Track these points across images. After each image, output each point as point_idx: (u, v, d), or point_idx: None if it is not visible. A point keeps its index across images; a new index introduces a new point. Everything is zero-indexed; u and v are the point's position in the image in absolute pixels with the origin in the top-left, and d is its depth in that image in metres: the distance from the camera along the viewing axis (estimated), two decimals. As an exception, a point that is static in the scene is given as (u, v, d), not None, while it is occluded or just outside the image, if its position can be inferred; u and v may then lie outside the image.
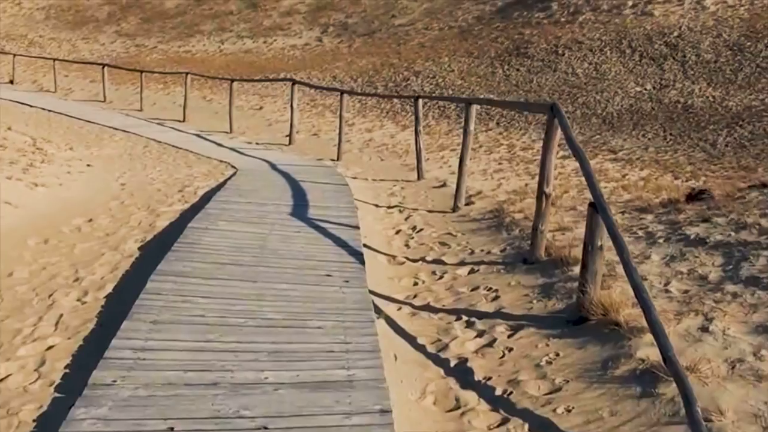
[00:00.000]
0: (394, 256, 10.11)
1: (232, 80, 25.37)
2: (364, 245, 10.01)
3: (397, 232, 11.50)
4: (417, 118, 16.23)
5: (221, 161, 18.16)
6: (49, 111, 28.91)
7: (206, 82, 32.56)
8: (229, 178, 14.93)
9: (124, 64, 38.67)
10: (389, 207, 13.29)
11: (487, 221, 11.64)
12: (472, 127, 12.71)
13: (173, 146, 21.16)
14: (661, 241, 9.15)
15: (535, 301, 7.95)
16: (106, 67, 31.98)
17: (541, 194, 9.10)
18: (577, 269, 8.31)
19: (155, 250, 9.69)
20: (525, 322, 7.47)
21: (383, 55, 35.11)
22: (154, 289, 7.43)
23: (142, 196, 13.60)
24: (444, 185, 15.08)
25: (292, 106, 22.27)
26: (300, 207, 11.59)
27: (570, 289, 7.99)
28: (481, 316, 7.77)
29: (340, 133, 19.48)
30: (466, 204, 12.88)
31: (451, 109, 26.75)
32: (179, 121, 26.82)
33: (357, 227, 10.49)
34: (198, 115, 27.85)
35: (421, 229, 11.53)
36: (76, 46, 44.86)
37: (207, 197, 12.98)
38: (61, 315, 7.67)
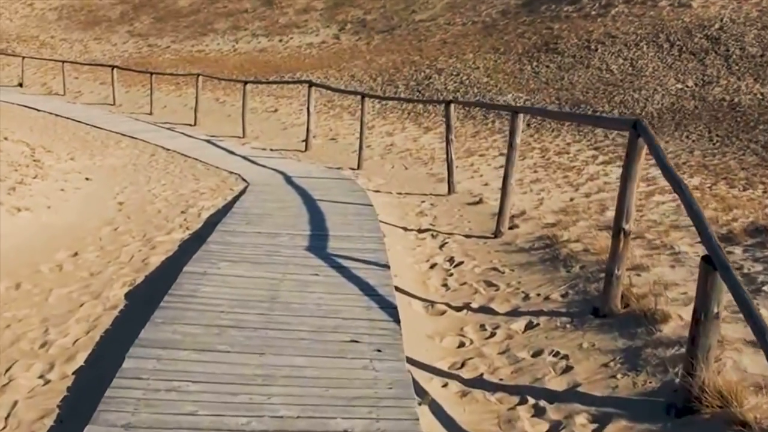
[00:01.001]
0: (432, 303, 8.29)
1: (245, 82, 23.59)
2: (396, 288, 8.19)
3: (433, 266, 9.69)
4: (448, 126, 14.40)
5: (231, 173, 16.40)
6: (56, 115, 27.33)
7: (219, 83, 30.79)
8: (239, 196, 13.17)
9: (136, 64, 37.01)
10: (420, 231, 11.49)
11: (538, 252, 9.81)
12: (518, 140, 10.92)
13: (181, 154, 19.44)
14: (767, 288, 7.31)
15: (619, 375, 6.13)
16: (115, 69, 30.21)
17: (618, 231, 7.24)
18: (667, 328, 6.54)
19: (143, 299, 7.93)
20: (611, 409, 5.65)
21: (403, 52, 33.28)
22: (132, 370, 5.66)
23: (139, 220, 11.84)
24: (480, 201, 13.26)
25: (308, 110, 20.48)
26: (318, 238, 9.77)
27: (663, 358, 6.16)
28: (552, 397, 5.96)
29: (361, 140, 17.67)
30: (510, 227, 11.04)
31: (477, 108, 24.91)
32: (190, 125, 25.11)
33: (387, 266, 8.67)
34: (210, 118, 26.13)
35: (461, 262, 9.72)
36: (88, 46, 43.21)
37: (212, 222, 11.22)
38: (16, 403, 5.90)
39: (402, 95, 27.58)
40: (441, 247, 10.56)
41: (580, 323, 7.31)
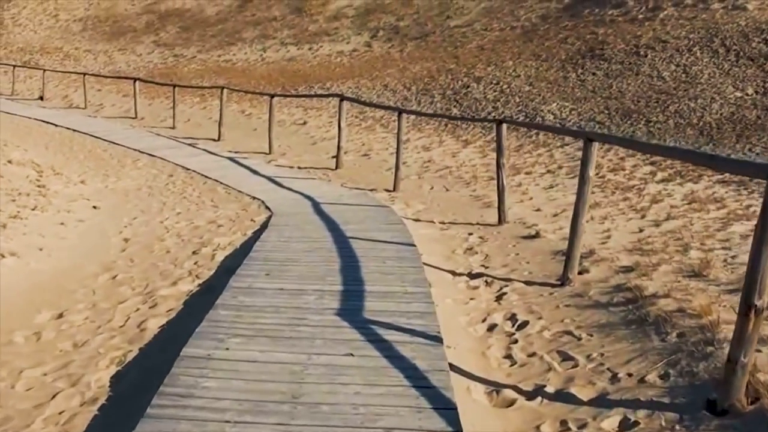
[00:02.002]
0: (497, 387, 6.45)
1: (272, 95, 21.83)
2: (450, 365, 6.38)
3: (491, 328, 7.87)
4: (500, 148, 12.55)
5: (254, 198, 14.68)
6: (74, 131, 25.74)
7: (245, 94, 29.11)
8: (260, 231, 11.43)
9: (161, 75, 35.47)
10: (471, 276, 9.66)
11: (619, 309, 7.94)
12: (591, 172, 9.00)
13: (202, 175, 17.76)
14: None
15: None
16: (138, 81, 28.60)
17: (748, 308, 5.37)
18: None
19: (132, 387, 6.17)
20: None
21: (439, 59, 31.46)
22: None
23: (143, 264, 10.12)
24: (537, 235, 11.40)
25: (339, 125, 18.73)
26: (353, 297, 7.95)
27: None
28: None
29: (397, 160, 15.87)
30: (579, 272, 9.18)
31: (519, 119, 23.02)
32: (214, 140, 23.45)
33: (439, 339, 6.83)
34: (235, 132, 24.46)
35: (525, 323, 7.89)
36: (113, 57, 41.70)
37: (226, 268, 9.46)
38: None
39: (438, 105, 25.77)
40: (498, 298, 8.74)
41: (694, 423, 5.46)
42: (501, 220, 12.45)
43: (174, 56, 39.84)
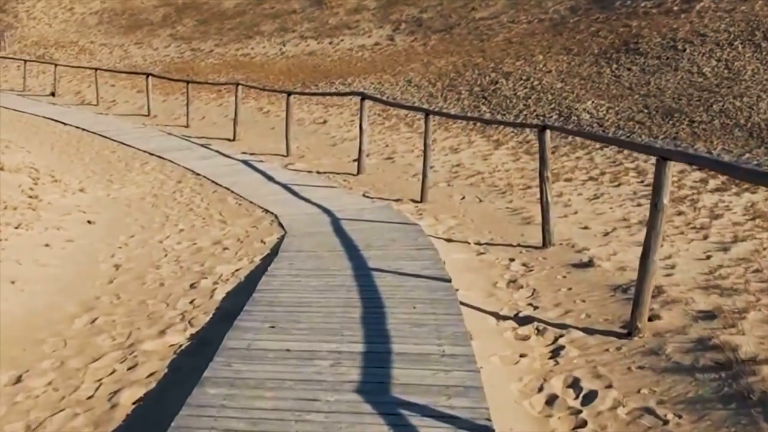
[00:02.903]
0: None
1: (289, 93, 20.16)
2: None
3: (551, 402, 6.16)
4: (543, 159, 10.82)
5: (266, 211, 13.07)
6: (83, 130, 24.12)
7: (262, 92, 27.45)
8: (270, 258, 9.77)
9: (177, 69, 33.89)
10: (519, 320, 7.97)
11: (709, 378, 6.24)
12: (665, 199, 7.24)
13: (212, 181, 16.18)
14: None
15: None
16: (151, 77, 26.99)
17: None
18: None
19: None
20: None
21: (464, 53, 29.70)
22: None
23: (131, 302, 8.49)
24: (590, 264, 9.68)
25: (361, 127, 17.03)
26: (376, 362, 6.23)
27: None
28: None
29: (424, 168, 14.17)
30: (649, 317, 7.46)
31: (553, 118, 21.30)
32: (229, 140, 21.82)
33: (489, 428, 5.12)
34: (251, 131, 22.82)
35: (592, 394, 6.20)
36: (129, 51, 40.12)
37: (224, 313, 7.81)
38: None
39: (465, 103, 24.04)
40: (554, 355, 7.05)
41: None
42: (546, 242, 10.75)
43: (191, 50, 38.23)
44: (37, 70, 36.39)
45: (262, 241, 11.00)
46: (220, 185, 15.88)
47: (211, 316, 7.88)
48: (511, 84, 24.88)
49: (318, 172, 17.28)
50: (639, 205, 13.70)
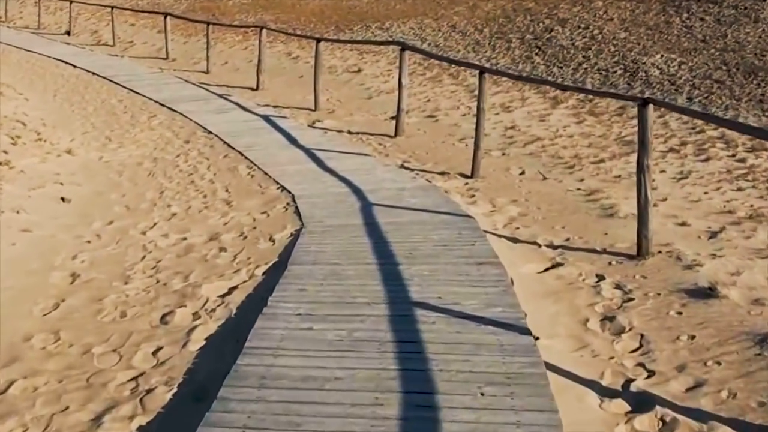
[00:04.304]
0: None
1: (318, 40, 17.28)
2: None
3: None
4: (643, 143, 7.94)
5: (282, 188, 10.29)
6: (93, 74, 21.41)
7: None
8: (275, 274, 7.01)
9: (203, 8, 31.02)
10: (630, 399, 5.24)
11: None
12: None
13: (225, 143, 13.48)
14: None
15: None
16: (169, 18, 24.13)
17: None
18: None
19: None
20: None
21: (514, -4, 26.52)
22: None
23: (71, 349, 5.86)
24: (712, 292, 6.84)
25: (400, 81, 14.18)
26: None
27: None
28: None
29: (477, 137, 11.35)
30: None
31: (617, 73, 18.33)
32: (251, 89, 19.06)
33: None
34: (277, 80, 20.03)
35: None
36: (154, -14, 37.11)
37: (195, 387, 5.08)
38: None
39: (516, 53, 21.07)
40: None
41: None
42: (642, 249, 7.93)
43: (219, -13, 35.16)
44: (55, 7, 33.59)
45: (270, 239, 8.28)
46: (233, 148, 13.20)
47: (175, 391, 5.14)
48: (568, 32, 21.81)
49: (349, 132, 14.52)
50: (740, 189, 10.85)
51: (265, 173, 11.38)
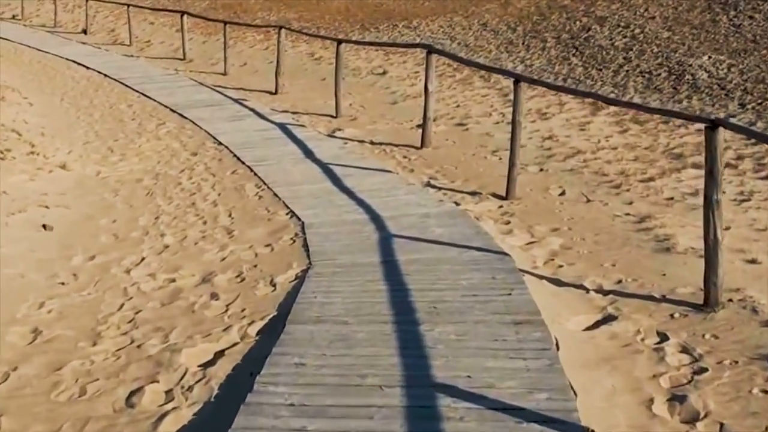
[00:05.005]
0: None
1: (339, 41, 16.04)
2: None
3: None
4: (712, 173, 6.63)
5: (292, 214, 9.07)
6: (105, 76, 20.30)
7: (316, 32, 23.33)
8: (272, 333, 5.81)
9: (224, 6, 29.90)
10: None
11: None
12: None
13: (234, 156, 12.29)
14: None
15: None
16: (186, 16, 22.98)
17: None
18: None
19: None
20: None
21: (549, -7, 25.16)
22: None
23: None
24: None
25: (426, 88, 12.93)
26: None
27: None
28: None
29: (512, 153, 10.07)
30: None
31: (662, 76, 16.98)
32: (270, 92, 17.88)
33: None
34: (298, 83, 18.86)
35: None
36: (177, -17, 36.05)
37: None
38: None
39: (552, 53, 19.77)
40: None
41: None
42: (709, 299, 6.64)
43: (243, -16, 34.03)
44: (73, 5, 32.58)
45: (271, 282, 7.07)
46: (243, 162, 12.02)
47: None
48: (607, 31, 20.46)
49: (371, 143, 13.31)
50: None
51: (275, 194, 10.20)
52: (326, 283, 6.82)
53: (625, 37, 19.83)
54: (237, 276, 7.38)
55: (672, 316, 6.54)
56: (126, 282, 7.36)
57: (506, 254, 7.60)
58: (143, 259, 7.99)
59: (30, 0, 32.76)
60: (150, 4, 29.72)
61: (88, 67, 21.72)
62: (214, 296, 6.89)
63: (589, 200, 10.15)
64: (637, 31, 20.03)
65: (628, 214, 9.48)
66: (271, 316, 6.32)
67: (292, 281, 7.10)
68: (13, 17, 31.61)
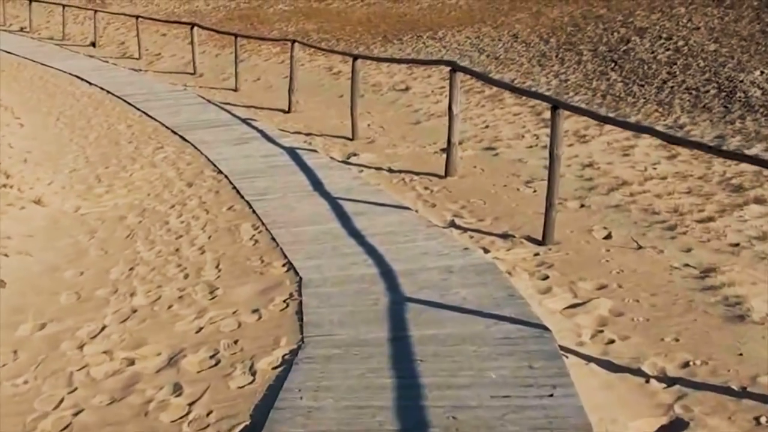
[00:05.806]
0: None
1: (355, 57, 14.60)
2: None
3: None
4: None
5: (290, 266, 7.69)
6: (108, 92, 19.05)
7: (335, 45, 21.98)
8: None
9: (241, 16, 28.69)
10: None
11: None
12: None
13: (234, 188, 10.86)
14: None
15: None
16: (196, 29, 21.70)
17: None
18: None
19: None
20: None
21: (583, 2, 23.73)
22: None
23: None
24: None
25: (450, 109, 11.49)
26: None
27: None
28: None
29: (550, 191, 8.63)
30: None
31: (711, 93, 15.48)
32: (283, 111, 16.54)
33: None
34: (314, 100, 17.54)
35: None
36: (192, -6, 34.95)
37: None
38: None
39: (588, 67, 18.29)
40: None
41: None
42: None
43: (261, -6, 32.87)
44: (84, 16, 31.49)
45: (251, 369, 5.66)
46: (242, 196, 10.60)
47: None
48: (648, 44, 18.94)
49: (390, 170, 11.93)
50: None
51: (273, 238, 8.79)
52: (317, 375, 5.39)
53: (668, 49, 18.30)
54: (211, 357, 5.97)
55: (757, 420, 5.06)
56: (75, 364, 5.97)
57: (545, 328, 6.13)
58: (103, 328, 6.61)
59: (39, 11, 31.67)
60: (164, 16, 28.54)
61: (91, 83, 20.47)
62: (176, 389, 5.48)
63: (640, 246, 8.67)
64: (681, 43, 18.50)
65: (687, 266, 7.98)
66: (241, 427, 4.88)
67: (277, 367, 5.67)
68: (21, 29, 30.57)
